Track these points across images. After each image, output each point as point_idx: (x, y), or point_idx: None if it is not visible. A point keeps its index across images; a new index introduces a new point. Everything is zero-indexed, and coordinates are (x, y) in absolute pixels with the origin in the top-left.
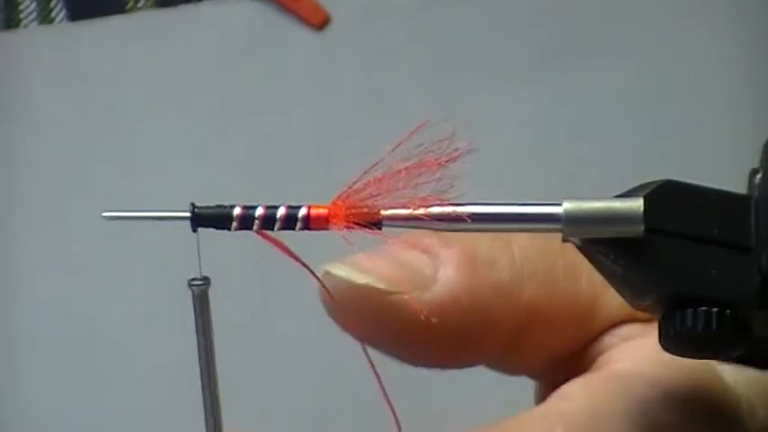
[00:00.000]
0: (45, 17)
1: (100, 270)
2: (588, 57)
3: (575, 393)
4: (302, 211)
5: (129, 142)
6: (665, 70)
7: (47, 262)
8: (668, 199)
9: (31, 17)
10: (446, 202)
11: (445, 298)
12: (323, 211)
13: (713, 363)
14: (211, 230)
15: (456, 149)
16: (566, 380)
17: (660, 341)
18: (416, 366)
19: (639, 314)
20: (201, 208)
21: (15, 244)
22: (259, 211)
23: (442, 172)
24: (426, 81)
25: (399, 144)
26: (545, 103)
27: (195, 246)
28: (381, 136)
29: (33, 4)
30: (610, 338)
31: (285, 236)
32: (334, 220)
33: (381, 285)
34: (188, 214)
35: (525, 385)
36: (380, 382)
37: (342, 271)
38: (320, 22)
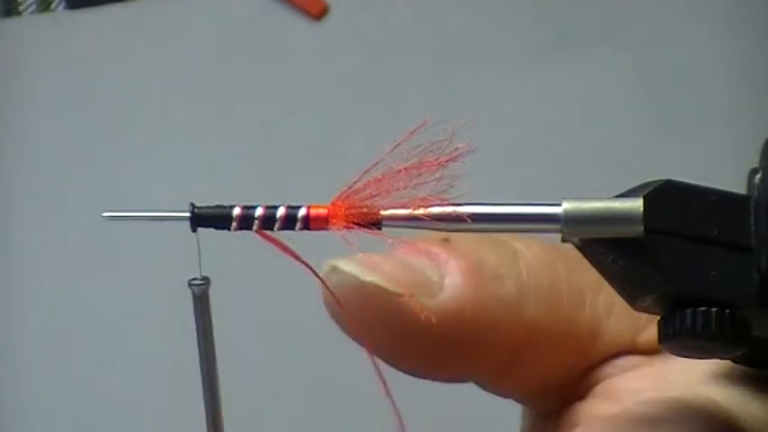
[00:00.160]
0: (44, 5)
1: (100, 263)
2: (588, 48)
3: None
4: (302, 212)
5: (127, 129)
6: (664, 62)
7: (45, 251)
8: (668, 199)
9: (31, 6)
10: (446, 202)
11: (450, 306)
12: (322, 212)
13: (714, 394)
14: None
15: (456, 149)
16: (559, 407)
17: (660, 341)
18: (408, 373)
19: (640, 345)
20: (201, 208)
21: (14, 230)
22: (259, 211)
23: (441, 172)
24: (424, 71)
25: (399, 144)
26: (545, 95)
27: (195, 245)
28: (379, 125)
29: None
30: (608, 368)
31: (283, 235)
32: (334, 221)
33: (388, 286)
34: (188, 214)
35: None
36: (385, 385)
37: (349, 266)
38: (319, 12)
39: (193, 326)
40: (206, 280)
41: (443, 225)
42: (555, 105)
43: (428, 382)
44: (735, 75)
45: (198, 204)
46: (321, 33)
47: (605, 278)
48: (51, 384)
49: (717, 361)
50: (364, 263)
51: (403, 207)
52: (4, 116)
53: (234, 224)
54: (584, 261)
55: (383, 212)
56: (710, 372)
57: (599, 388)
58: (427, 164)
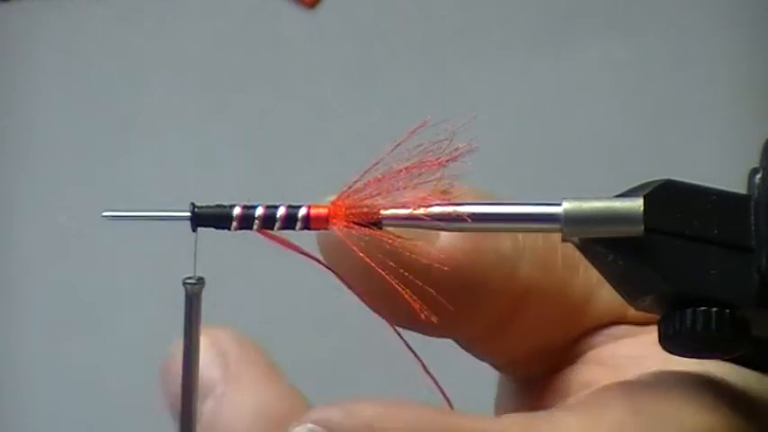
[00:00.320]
0: None
1: (96, 253)
2: (584, 37)
3: (615, 401)
4: (302, 211)
5: (122, 118)
6: (660, 53)
7: (40, 239)
8: (668, 199)
9: None
10: (446, 202)
11: (447, 253)
12: (323, 211)
13: (713, 368)
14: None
15: (456, 149)
16: (542, 375)
17: (660, 341)
18: (399, 324)
19: (631, 317)
20: (201, 208)
21: (8, 215)
22: (259, 211)
23: (442, 172)
24: (417, 59)
25: (400, 144)
26: (537, 83)
27: (200, 245)
28: (373, 113)
29: None
30: (599, 336)
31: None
32: (334, 220)
33: (393, 230)
34: (188, 214)
35: None
36: (422, 364)
37: None
38: (312, 1)
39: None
40: (200, 280)
41: (444, 225)
42: (548, 95)
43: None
44: (733, 67)
45: (198, 204)
46: (315, 22)
47: (605, 278)
48: (49, 382)
49: None
50: None
51: (403, 207)
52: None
53: (234, 224)
54: None
55: (383, 212)
56: None
57: (590, 354)
58: (427, 163)
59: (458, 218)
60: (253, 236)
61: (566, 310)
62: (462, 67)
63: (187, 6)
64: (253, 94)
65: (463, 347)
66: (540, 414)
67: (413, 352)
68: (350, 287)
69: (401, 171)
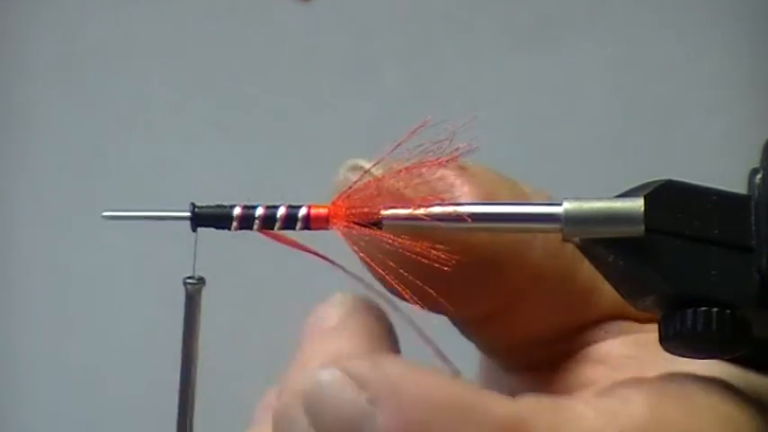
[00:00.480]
0: None
1: (93, 251)
2: (571, 34)
3: (634, 397)
4: (302, 211)
5: (107, 104)
6: (647, 52)
7: (39, 236)
8: (668, 199)
9: None
10: (446, 202)
11: (460, 233)
12: (323, 211)
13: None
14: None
15: (456, 149)
16: (543, 367)
17: (660, 341)
18: (402, 298)
19: (633, 313)
20: (202, 208)
21: (8, 213)
22: (259, 211)
23: (442, 171)
24: (410, 53)
25: (400, 143)
26: (529, 79)
27: (200, 245)
28: (369, 108)
29: None
30: (600, 331)
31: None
32: (335, 220)
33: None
34: (188, 214)
35: None
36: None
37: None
38: None
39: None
40: (201, 280)
41: (444, 224)
42: (548, 94)
43: None
44: (734, 67)
45: (198, 204)
46: (310, 13)
47: (606, 278)
48: (48, 382)
49: None
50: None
51: (403, 207)
52: None
53: (234, 224)
54: None
55: (384, 212)
56: None
57: (590, 350)
58: (428, 163)
59: (458, 218)
60: (253, 235)
61: (571, 298)
62: (460, 63)
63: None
64: (244, 83)
65: (459, 328)
66: (561, 401)
67: (439, 352)
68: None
69: (401, 171)
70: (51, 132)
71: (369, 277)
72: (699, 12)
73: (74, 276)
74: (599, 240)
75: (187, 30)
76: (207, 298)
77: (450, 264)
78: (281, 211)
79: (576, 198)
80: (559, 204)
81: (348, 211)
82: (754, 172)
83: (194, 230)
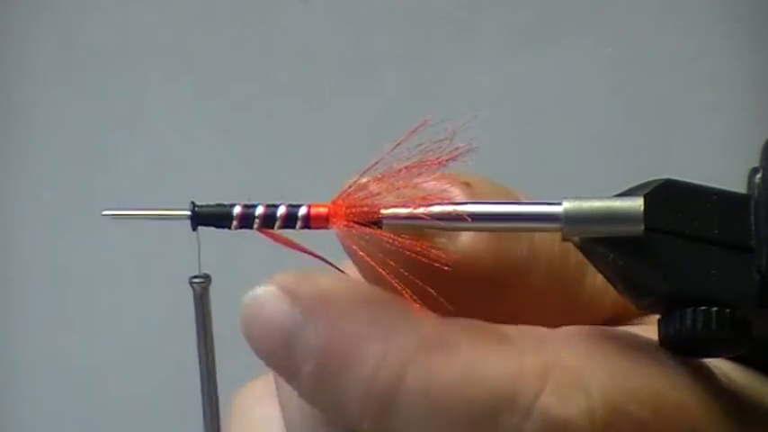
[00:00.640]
0: None
1: (93, 250)
2: (571, 33)
3: (574, 335)
4: (302, 210)
5: (106, 100)
6: (647, 51)
7: (39, 235)
8: (668, 198)
9: None
10: (446, 201)
11: (466, 254)
12: (323, 210)
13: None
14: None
15: (456, 148)
16: None
17: (660, 341)
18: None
19: (635, 314)
20: (202, 207)
21: (7, 212)
22: (259, 210)
23: (442, 171)
24: (408, 52)
25: (400, 143)
26: (529, 79)
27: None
28: (366, 106)
29: None
30: None
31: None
32: (335, 219)
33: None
34: (188, 213)
35: None
36: None
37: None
38: None
39: (193, 322)
40: (207, 278)
41: (444, 224)
42: (548, 94)
43: None
44: (734, 67)
45: (198, 203)
46: (308, 11)
47: (606, 277)
48: (48, 381)
49: None
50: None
51: (403, 206)
52: None
53: (234, 223)
54: None
55: (384, 211)
56: None
57: None
58: (428, 163)
59: (458, 217)
60: (253, 233)
61: (574, 309)
62: (460, 63)
63: None
64: (242, 81)
65: None
66: (489, 323)
67: None
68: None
69: (401, 170)
70: (51, 131)
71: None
72: (699, 11)
73: (73, 276)
74: (599, 240)
75: (187, 29)
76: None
77: (450, 263)
78: (281, 211)
79: (576, 197)
80: (559, 204)
81: (348, 211)
82: (754, 171)
83: (194, 229)
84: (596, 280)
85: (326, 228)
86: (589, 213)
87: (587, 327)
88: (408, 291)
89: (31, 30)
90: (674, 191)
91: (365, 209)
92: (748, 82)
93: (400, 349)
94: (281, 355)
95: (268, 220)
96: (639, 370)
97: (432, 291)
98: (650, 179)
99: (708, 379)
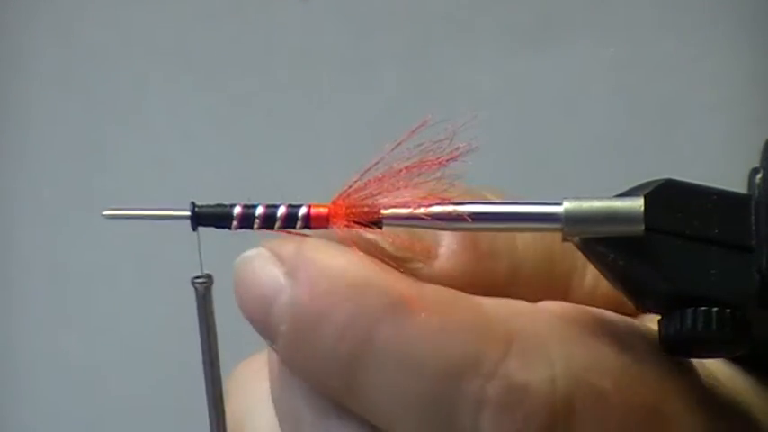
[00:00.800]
0: None
1: (92, 249)
2: (572, 34)
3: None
4: (302, 210)
5: (105, 98)
6: (647, 52)
7: (38, 235)
8: (669, 198)
9: None
10: (447, 201)
11: (442, 279)
12: (323, 211)
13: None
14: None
15: (456, 148)
16: None
17: (660, 341)
18: None
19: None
20: (202, 207)
21: (7, 212)
22: (259, 210)
23: (442, 171)
24: (408, 52)
25: (400, 143)
26: (529, 79)
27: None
28: (366, 105)
29: None
30: None
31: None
32: (335, 220)
33: (386, 246)
34: (188, 213)
35: None
36: None
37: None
38: None
39: (195, 322)
40: (209, 278)
41: (444, 224)
42: (549, 94)
43: None
44: (735, 67)
45: (198, 203)
46: (308, 11)
47: (606, 277)
48: (48, 381)
49: None
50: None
51: (404, 206)
52: None
53: (234, 223)
54: None
55: (384, 211)
56: None
57: None
58: (428, 163)
59: (458, 217)
60: (253, 233)
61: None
62: (460, 63)
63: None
64: (242, 79)
65: None
66: (462, 293)
67: None
68: None
69: (401, 170)
70: (50, 131)
71: None
72: (700, 11)
73: (73, 275)
74: (599, 240)
75: (187, 28)
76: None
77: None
78: (282, 211)
79: (576, 197)
80: (559, 204)
81: (348, 211)
82: (754, 172)
83: (194, 230)
84: (584, 284)
85: (326, 228)
86: (589, 213)
87: (564, 303)
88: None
89: (29, 28)
90: (674, 191)
91: (365, 209)
92: (749, 82)
93: (371, 309)
94: (262, 314)
95: (268, 221)
96: (606, 344)
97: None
98: (651, 179)
99: (680, 365)
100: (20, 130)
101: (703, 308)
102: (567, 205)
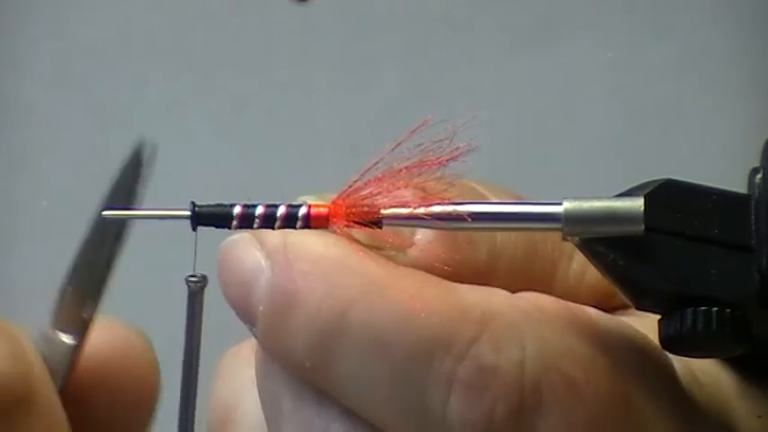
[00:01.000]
0: None
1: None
2: (570, 35)
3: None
4: (302, 210)
5: (105, 99)
6: (645, 53)
7: (38, 234)
8: (669, 198)
9: None
10: (447, 201)
11: (421, 265)
12: (323, 210)
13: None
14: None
15: (456, 148)
16: None
17: (660, 341)
18: None
19: (612, 305)
20: (202, 207)
21: (6, 211)
22: (259, 210)
23: (442, 171)
24: (406, 53)
25: (400, 143)
26: (528, 79)
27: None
28: (366, 105)
29: None
30: None
31: None
32: (335, 219)
33: (359, 236)
34: (188, 213)
35: None
36: None
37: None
38: None
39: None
40: (203, 278)
41: (444, 224)
42: (549, 95)
43: None
44: (735, 69)
45: (198, 203)
46: (307, 14)
47: (606, 277)
48: None
49: None
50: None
51: (403, 206)
52: None
53: (234, 223)
54: None
55: (384, 211)
56: None
57: None
58: (428, 163)
59: (458, 217)
60: None
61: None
62: (460, 63)
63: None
64: (241, 80)
65: None
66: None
67: None
68: None
69: (401, 170)
70: (50, 131)
71: None
72: (698, 16)
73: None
74: (599, 240)
75: (187, 29)
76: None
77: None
78: (282, 210)
79: (576, 197)
80: (559, 204)
81: (348, 211)
82: (754, 171)
83: (194, 229)
84: (568, 276)
85: (326, 227)
86: (589, 213)
87: (544, 295)
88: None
89: (28, 29)
90: (674, 191)
91: (365, 209)
92: (747, 86)
93: (345, 289)
94: (243, 296)
95: (268, 220)
96: (581, 336)
97: None
98: (650, 179)
99: (657, 366)
100: (20, 132)
101: (703, 308)
102: (566, 205)
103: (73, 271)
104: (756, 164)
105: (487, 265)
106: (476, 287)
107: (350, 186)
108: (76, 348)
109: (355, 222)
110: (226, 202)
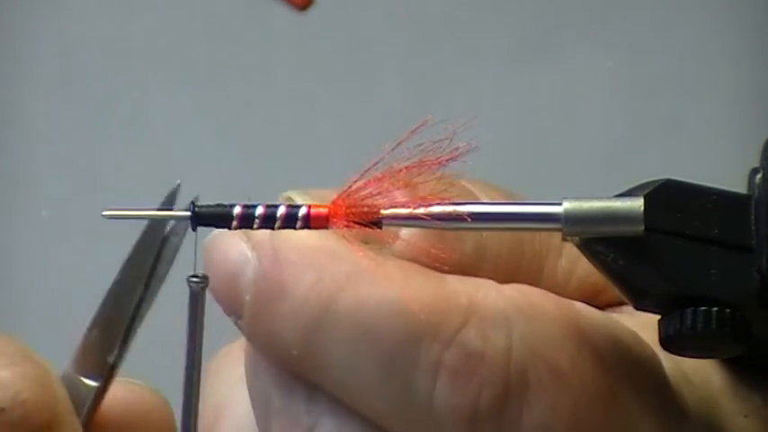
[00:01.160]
0: None
1: (90, 249)
2: (571, 46)
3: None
4: (302, 210)
5: (106, 109)
6: (646, 63)
7: (37, 234)
8: (668, 198)
9: None
10: (446, 201)
11: (407, 257)
12: (323, 211)
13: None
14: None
15: (456, 149)
16: None
17: (660, 341)
18: None
19: (602, 301)
20: (202, 207)
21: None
22: (259, 210)
23: (442, 171)
24: (406, 63)
25: (400, 143)
26: (525, 89)
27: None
28: (364, 106)
29: None
30: None
31: None
32: (335, 219)
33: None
34: (188, 213)
35: None
36: None
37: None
38: (304, 3)
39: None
40: (205, 279)
41: (444, 224)
42: (550, 97)
43: None
44: (734, 73)
45: (198, 203)
46: (306, 23)
47: (606, 277)
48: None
49: None
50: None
51: (403, 206)
52: None
53: (234, 223)
54: None
55: (384, 212)
56: None
57: None
58: (428, 163)
59: (458, 217)
60: None
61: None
62: (461, 70)
63: (178, 2)
64: (240, 89)
65: None
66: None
67: None
68: None
69: (401, 170)
70: (49, 142)
71: None
72: (698, 24)
73: (73, 275)
74: (599, 240)
75: (189, 38)
76: (207, 296)
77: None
78: (281, 211)
79: (576, 198)
80: (559, 204)
81: (348, 211)
82: (754, 172)
83: (194, 230)
84: (556, 273)
85: (326, 228)
86: (589, 213)
87: (532, 287)
88: None
89: (27, 29)
90: (674, 191)
91: (365, 209)
92: (747, 95)
93: (332, 277)
94: (230, 288)
95: (268, 220)
96: (568, 326)
97: None
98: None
99: (644, 364)
100: (20, 132)
101: (703, 308)
102: (566, 205)
103: (100, 314)
104: (756, 164)
105: (473, 261)
106: (463, 277)
107: (350, 186)
108: (99, 392)
109: (355, 222)
110: (226, 203)
